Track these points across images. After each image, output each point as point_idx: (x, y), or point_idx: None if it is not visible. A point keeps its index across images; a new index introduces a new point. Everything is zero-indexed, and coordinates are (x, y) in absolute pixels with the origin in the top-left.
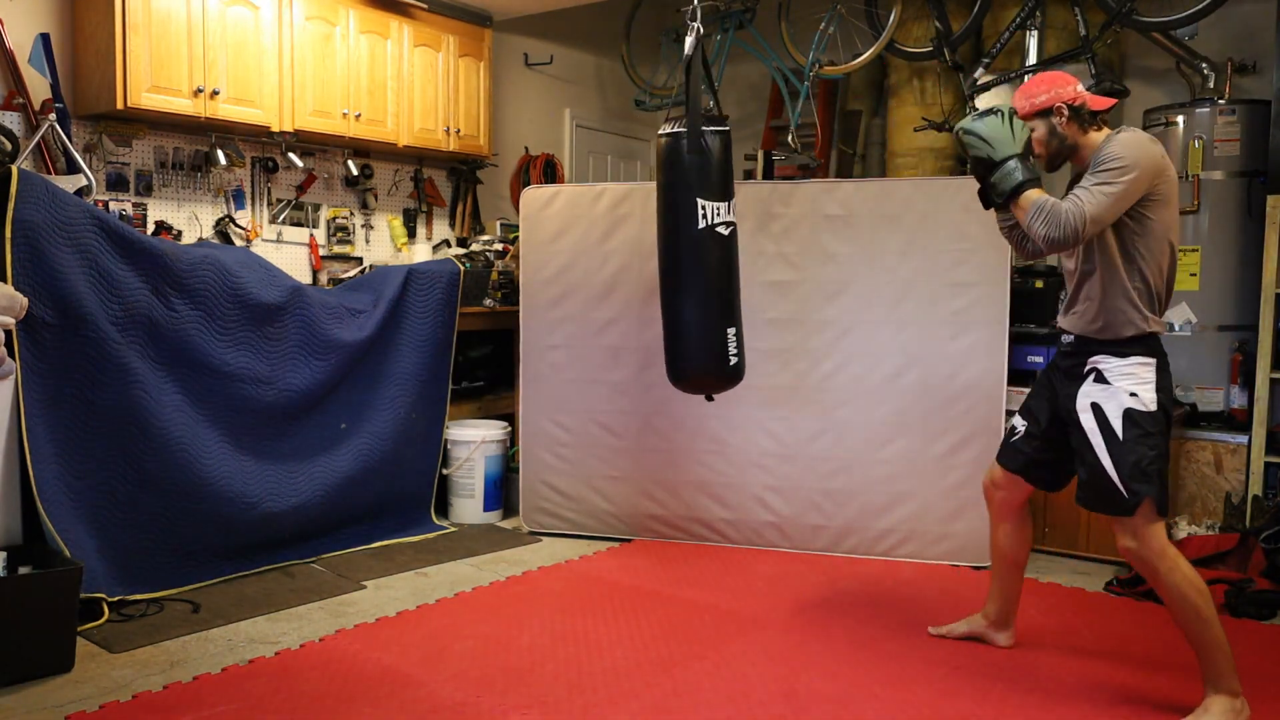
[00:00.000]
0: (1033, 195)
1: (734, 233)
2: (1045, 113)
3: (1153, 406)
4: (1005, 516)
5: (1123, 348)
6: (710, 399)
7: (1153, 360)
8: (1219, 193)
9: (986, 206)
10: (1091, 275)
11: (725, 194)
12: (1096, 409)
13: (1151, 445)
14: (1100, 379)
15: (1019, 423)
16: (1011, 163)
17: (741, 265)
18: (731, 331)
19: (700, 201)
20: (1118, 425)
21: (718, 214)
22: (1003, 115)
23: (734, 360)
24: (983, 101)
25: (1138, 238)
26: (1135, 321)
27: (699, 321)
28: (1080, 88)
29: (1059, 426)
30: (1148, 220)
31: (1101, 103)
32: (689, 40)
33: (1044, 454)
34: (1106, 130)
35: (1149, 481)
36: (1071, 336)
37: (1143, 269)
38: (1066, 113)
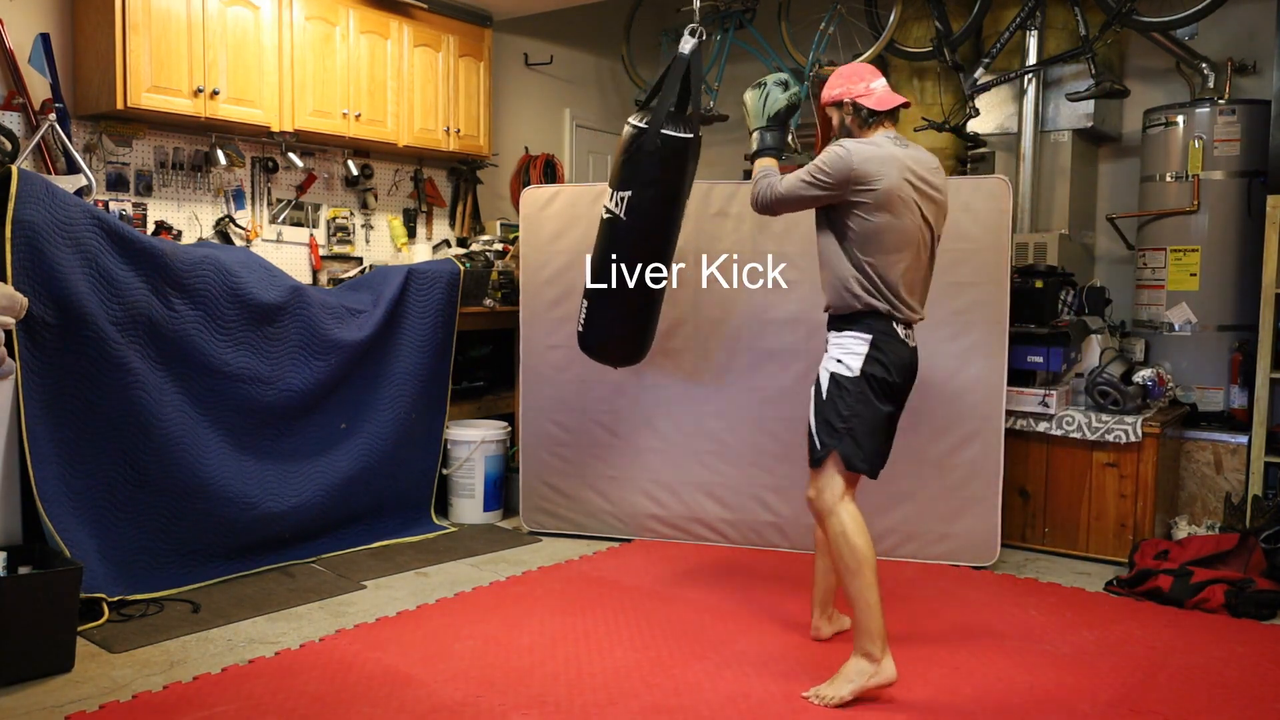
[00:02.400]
0: (761, 163)
1: (609, 218)
2: (838, 104)
3: (855, 373)
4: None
5: (841, 323)
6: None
7: (867, 336)
8: (1219, 193)
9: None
10: (822, 259)
11: (616, 183)
12: (819, 374)
13: (845, 406)
14: (826, 347)
15: None
16: (756, 134)
17: (741, 265)
18: (584, 305)
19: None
20: (825, 385)
21: (608, 198)
22: (762, 88)
23: (579, 329)
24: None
25: (853, 233)
26: (850, 302)
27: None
28: (874, 84)
29: None
30: (863, 220)
31: (884, 103)
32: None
33: None
34: (882, 130)
35: (837, 438)
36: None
37: (861, 262)
38: (851, 108)
